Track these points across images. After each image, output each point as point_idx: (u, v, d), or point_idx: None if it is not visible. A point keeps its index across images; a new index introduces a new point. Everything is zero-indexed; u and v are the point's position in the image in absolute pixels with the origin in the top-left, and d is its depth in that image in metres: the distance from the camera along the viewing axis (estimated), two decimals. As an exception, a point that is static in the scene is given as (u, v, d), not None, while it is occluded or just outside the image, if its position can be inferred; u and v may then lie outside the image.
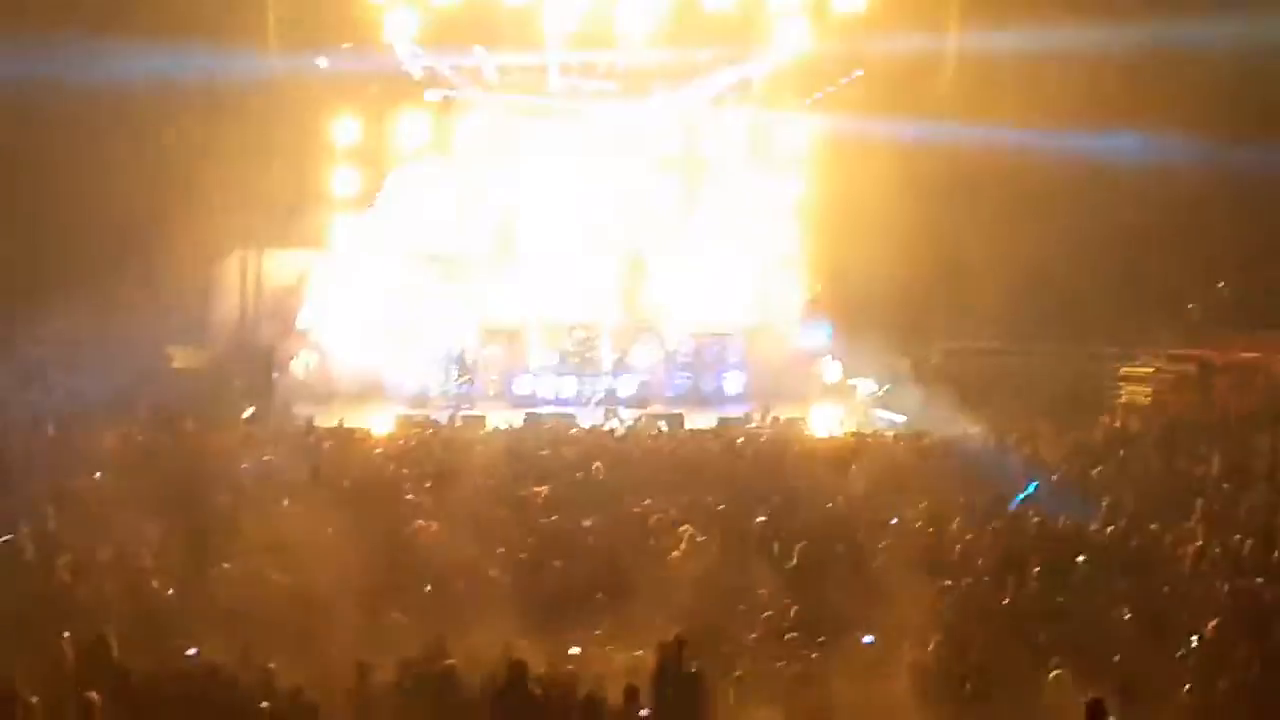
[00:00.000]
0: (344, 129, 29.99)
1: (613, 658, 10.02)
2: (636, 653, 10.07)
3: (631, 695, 9.30)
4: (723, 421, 24.82)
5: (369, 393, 28.10)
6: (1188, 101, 23.96)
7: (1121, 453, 20.14)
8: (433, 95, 29.33)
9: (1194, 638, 10.66)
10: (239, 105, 26.04)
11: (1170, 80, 24.52)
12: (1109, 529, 14.51)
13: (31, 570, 12.30)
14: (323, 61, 27.81)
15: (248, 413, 23.62)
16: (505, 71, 29.01)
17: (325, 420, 23.22)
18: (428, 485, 16.43)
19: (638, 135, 31.00)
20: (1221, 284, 27.01)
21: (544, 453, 19.69)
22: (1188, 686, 9.73)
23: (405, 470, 17.68)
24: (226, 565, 12.15)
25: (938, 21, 26.62)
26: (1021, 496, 16.47)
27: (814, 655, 9.99)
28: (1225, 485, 17.49)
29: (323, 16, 26.78)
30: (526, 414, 25.57)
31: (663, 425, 24.34)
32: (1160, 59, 24.55)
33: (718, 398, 28.87)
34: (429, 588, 11.45)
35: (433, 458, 18.98)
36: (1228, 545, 13.89)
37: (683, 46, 28.07)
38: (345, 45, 27.98)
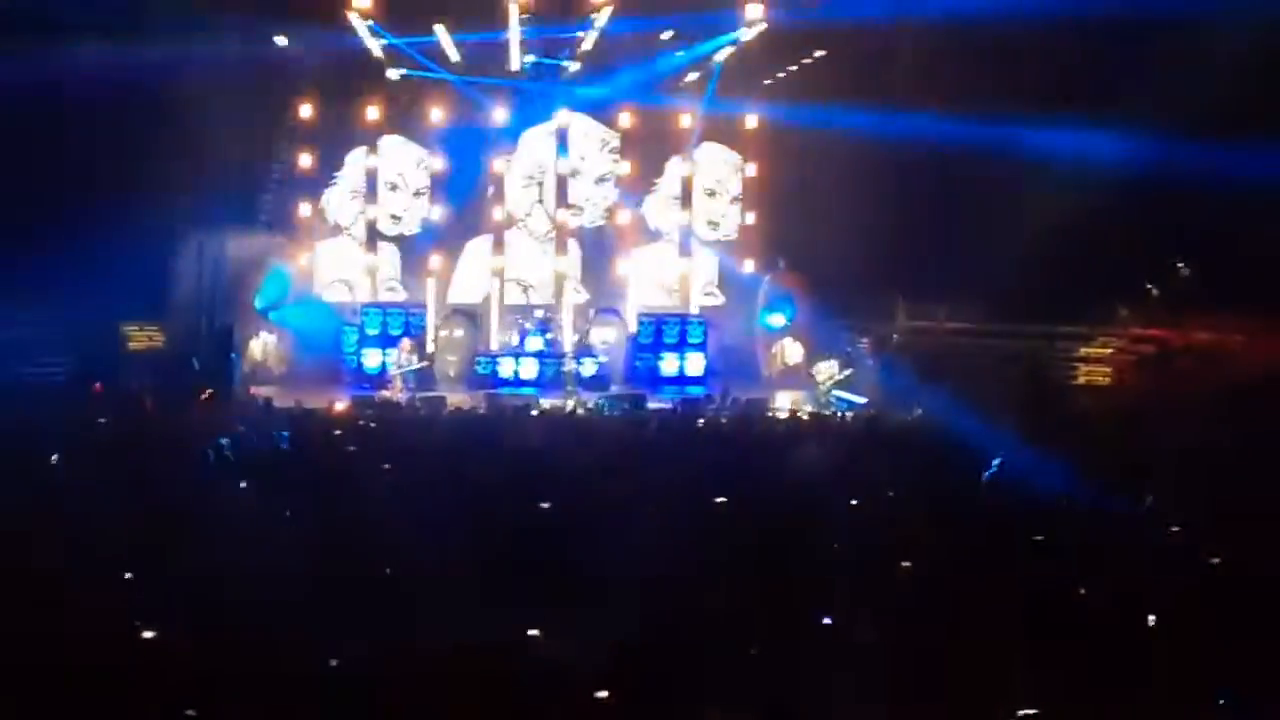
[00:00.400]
0: (303, 108, 29.81)
1: (573, 642, 9.96)
2: (597, 637, 10.02)
3: (592, 679, 9.26)
4: (684, 403, 24.86)
5: (327, 374, 28.05)
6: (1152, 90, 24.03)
7: (1079, 433, 20.21)
8: (394, 74, 29.11)
9: (1151, 618, 10.70)
10: (196, 84, 25.75)
11: (1136, 70, 24.60)
12: (1068, 511, 14.57)
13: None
14: (281, 40, 27.56)
15: (205, 395, 23.39)
16: (467, 50, 28.78)
17: (283, 401, 23.10)
18: (386, 467, 16.32)
19: (600, 114, 30.98)
20: (1181, 264, 27.14)
21: (503, 435, 19.64)
22: (1148, 668, 9.77)
23: (364, 452, 17.56)
24: (187, 548, 12.02)
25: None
26: (988, 474, 16.50)
27: (776, 638, 9.96)
28: (1185, 466, 17.56)
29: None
30: (486, 395, 25.55)
31: (624, 406, 24.34)
32: (1131, 48, 24.65)
33: (679, 379, 28.92)
34: (388, 570, 11.35)
35: (391, 440, 18.88)
36: (1189, 526, 13.96)
37: (646, 20, 27.94)
38: (304, 23, 27.77)
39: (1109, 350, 27.94)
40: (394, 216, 31.12)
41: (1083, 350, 28.19)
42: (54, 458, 16.47)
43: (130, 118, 25.41)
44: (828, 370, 26.51)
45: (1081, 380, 27.41)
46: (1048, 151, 25.40)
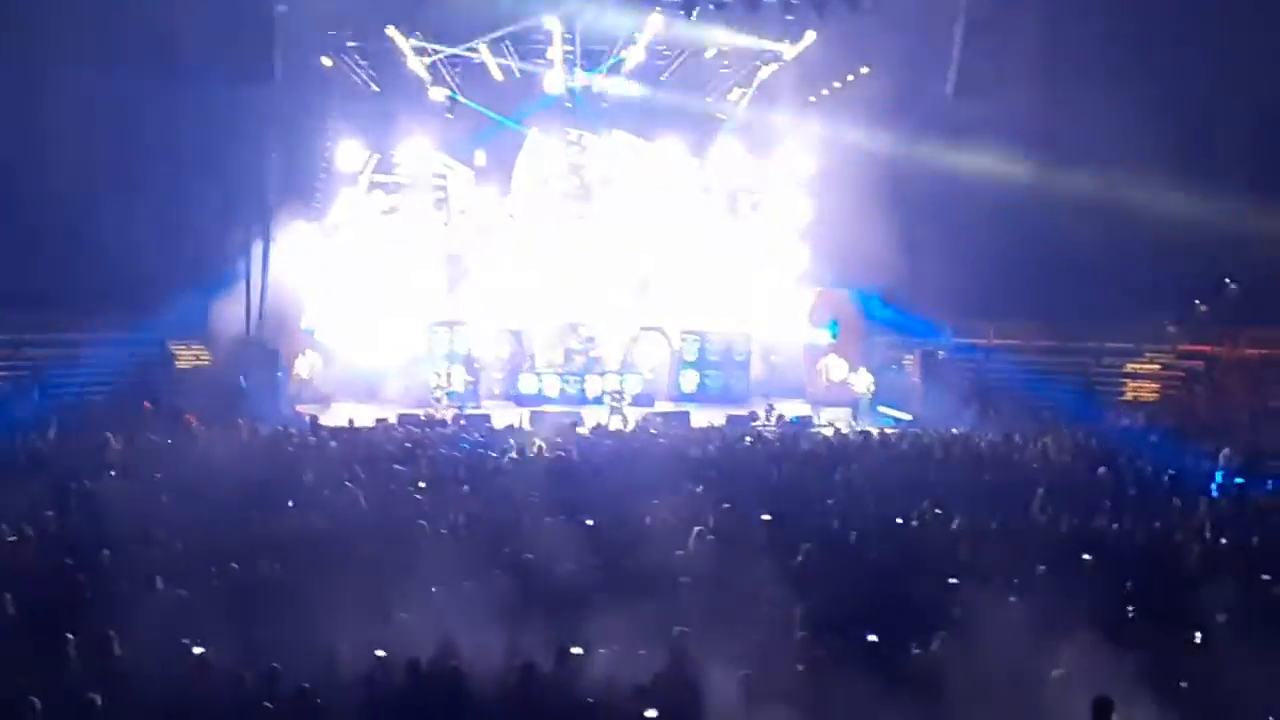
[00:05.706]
0: (352, 131, 29.93)
1: (619, 658, 9.98)
2: (642, 653, 10.04)
3: (637, 696, 9.26)
4: (729, 420, 24.79)
5: (374, 392, 28.12)
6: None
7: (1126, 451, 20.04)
8: (437, 93, 29.17)
9: (1198, 634, 10.65)
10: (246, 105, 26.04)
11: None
12: (1113, 527, 14.51)
13: (37, 571, 12.26)
14: (326, 61, 27.68)
15: (252, 412, 23.50)
16: (511, 71, 28.88)
17: (330, 420, 23.21)
18: (428, 485, 16.38)
19: (644, 132, 30.99)
20: (1228, 280, 26.92)
21: (549, 452, 19.68)
22: (1189, 682, 9.73)
23: (409, 470, 17.61)
24: (234, 565, 12.13)
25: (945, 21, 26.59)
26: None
27: (821, 654, 9.95)
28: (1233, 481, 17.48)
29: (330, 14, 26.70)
30: (532, 413, 25.57)
31: (668, 423, 24.30)
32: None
33: (723, 396, 28.83)
34: (434, 589, 11.41)
35: (437, 457, 18.93)
36: (1236, 541, 13.88)
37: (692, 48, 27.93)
38: (353, 45, 27.96)
39: (1157, 366, 27.75)
40: (442, 236, 31.19)
41: (1131, 366, 27.99)
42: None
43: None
44: (872, 386, 26.42)
45: (1130, 396, 27.19)
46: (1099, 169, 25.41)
